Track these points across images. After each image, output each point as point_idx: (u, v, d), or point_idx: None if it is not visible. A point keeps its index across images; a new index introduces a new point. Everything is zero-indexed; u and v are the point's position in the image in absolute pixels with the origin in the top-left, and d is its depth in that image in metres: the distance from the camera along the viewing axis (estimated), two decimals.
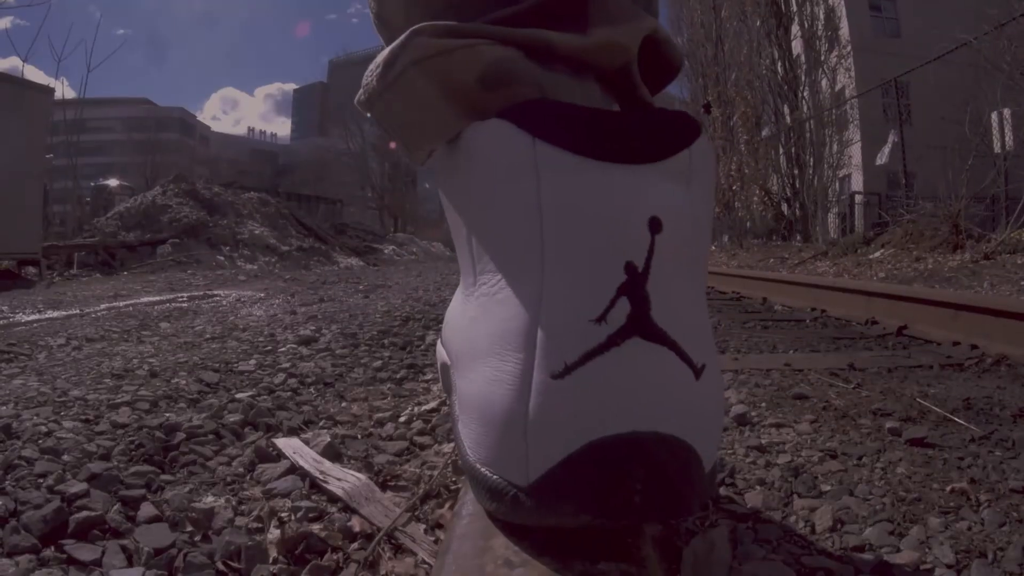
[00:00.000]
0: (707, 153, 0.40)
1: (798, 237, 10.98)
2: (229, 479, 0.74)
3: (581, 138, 0.36)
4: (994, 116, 7.41)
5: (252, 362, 1.45)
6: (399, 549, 0.57)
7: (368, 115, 0.47)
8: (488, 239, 0.40)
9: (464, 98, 0.42)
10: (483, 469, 0.38)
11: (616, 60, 0.45)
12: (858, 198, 12.63)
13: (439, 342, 0.58)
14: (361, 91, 0.46)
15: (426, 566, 0.54)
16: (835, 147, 11.79)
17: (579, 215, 0.36)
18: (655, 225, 0.36)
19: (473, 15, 0.44)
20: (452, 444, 0.84)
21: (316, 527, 0.60)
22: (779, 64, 12.65)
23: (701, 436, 0.36)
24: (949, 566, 0.54)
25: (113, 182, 16.10)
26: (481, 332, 0.40)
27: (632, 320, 0.35)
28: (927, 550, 0.56)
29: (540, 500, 0.35)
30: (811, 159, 11.75)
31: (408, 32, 0.42)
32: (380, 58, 0.44)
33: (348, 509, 0.65)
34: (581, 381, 0.34)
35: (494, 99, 0.41)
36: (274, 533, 0.59)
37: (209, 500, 0.68)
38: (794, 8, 12.51)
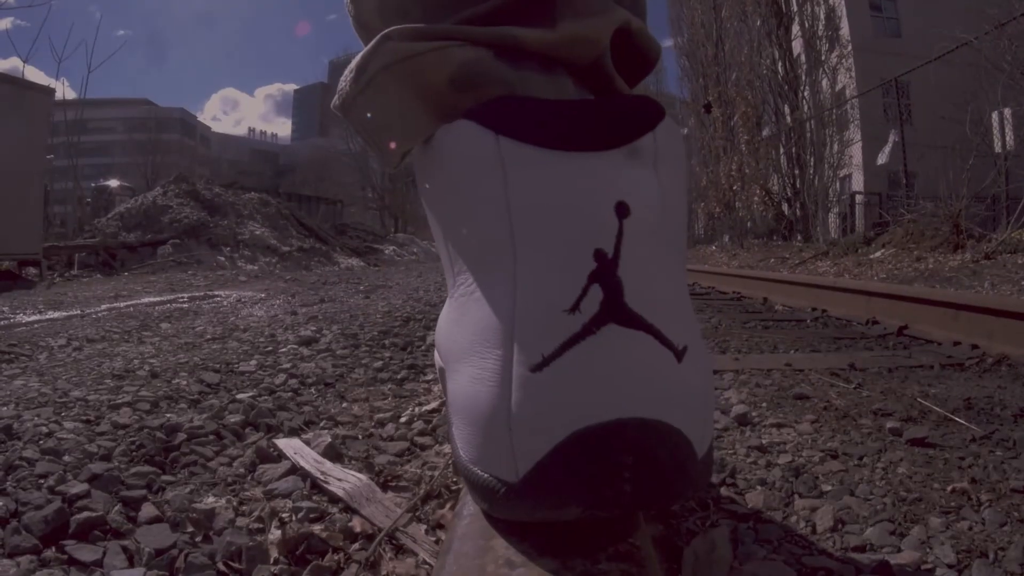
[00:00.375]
0: (673, 135, 0.40)
1: (799, 237, 10.98)
2: (230, 480, 0.74)
3: (543, 130, 0.36)
4: (995, 116, 7.41)
5: (253, 363, 1.45)
6: (400, 549, 0.58)
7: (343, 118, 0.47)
8: (462, 239, 0.40)
9: (436, 100, 0.42)
10: (474, 468, 0.38)
11: (586, 54, 0.45)
12: (859, 198, 12.63)
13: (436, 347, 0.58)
14: (336, 96, 0.46)
15: (427, 566, 0.54)
16: (836, 147, 11.79)
17: (546, 207, 0.36)
18: (622, 210, 0.36)
19: (444, 15, 0.44)
20: None
21: (317, 528, 0.60)
22: (780, 64, 12.65)
23: (688, 419, 0.35)
24: (950, 566, 0.54)
25: (114, 183, 16.09)
26: (462, 332, 0.40)
27: (605, 307, 0.34)
28: (928, 550, 0.56)
29: (530, 495, 0.35)
30: (812, 159, 11.76)
31: (378, 37, 0.42)
32: (353, 63, 0.44)
33: (349, 510, 0.65)
34: (559, 372, 0.34)
35: (466, 100, 0.41)
36: (275, 534, 0.59)
37: (210, 501, 0.68)
38: (795, 8, 12.52)
